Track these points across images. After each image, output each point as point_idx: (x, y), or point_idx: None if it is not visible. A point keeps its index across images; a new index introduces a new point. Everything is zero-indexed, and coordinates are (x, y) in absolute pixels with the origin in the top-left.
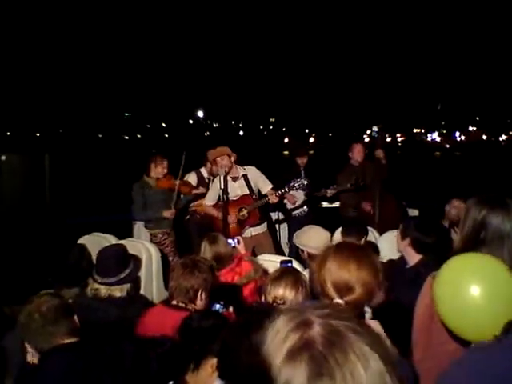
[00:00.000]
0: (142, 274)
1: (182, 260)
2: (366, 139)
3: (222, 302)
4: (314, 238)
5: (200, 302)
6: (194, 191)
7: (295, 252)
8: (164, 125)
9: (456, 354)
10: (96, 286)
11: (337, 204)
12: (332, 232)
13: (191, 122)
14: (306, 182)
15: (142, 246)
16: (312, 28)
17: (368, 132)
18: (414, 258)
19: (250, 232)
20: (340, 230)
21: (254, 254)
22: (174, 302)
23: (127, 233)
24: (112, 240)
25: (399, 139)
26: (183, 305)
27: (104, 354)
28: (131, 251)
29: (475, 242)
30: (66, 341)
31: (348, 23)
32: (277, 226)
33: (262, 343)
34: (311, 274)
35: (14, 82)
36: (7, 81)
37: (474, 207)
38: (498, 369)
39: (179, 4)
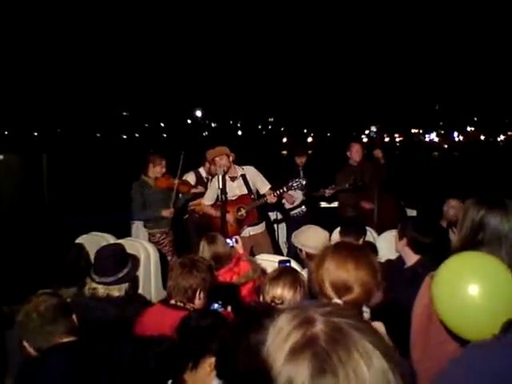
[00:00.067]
0: (140, 273)
1: (180, 259)
2: (365, 139)
3: (220, 302)
4: (312, 238)
5: (198, 302)
6: (193, 190)
7: (293, 252)
8: (162, 124)
9: (455, 353)
10: (94, 285)
11: (335, 204)
12: (330, 232)
13: (189, 121)
14: (304, 182)
15: (141, 245)
16: (311, 28)
17: (366, 132)
18: (411, 258)
19: (249, 232)
20: (338, 229)
21: (253, 253)
22: (173, 302)
23: (125, 232)
24: (110, 239)
25: (397, 139)
26: (181, 304)
27: (102, 353)
28: (129, 251)
29: (473, 243)
30: (65, 340)
31: (346, 23)
32: (275, 225)
33: (263, 342)
34: (309, 273)
35: (12, 81)
36: (5, 80)
37: (473, 208)
38: (498, 367)
39: (178, 4)
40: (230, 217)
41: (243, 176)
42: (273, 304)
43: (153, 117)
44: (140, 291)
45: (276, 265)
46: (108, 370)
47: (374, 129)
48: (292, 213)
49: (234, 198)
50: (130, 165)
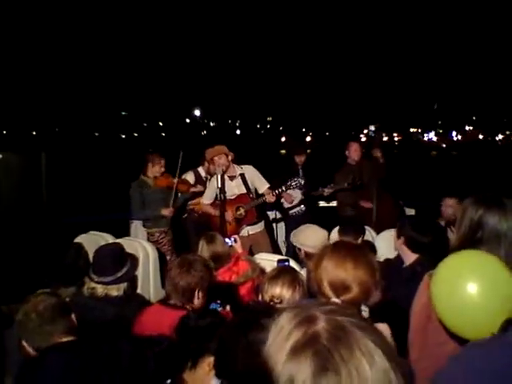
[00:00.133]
0: (139, 272)
1: (178, 259)
2: (363, 138)
3: (219, 301)
4: (311, 237)
5: (197, 301)
6: (192, 189)
7: (292, 251)
8: (161, 123)
9: (454, 353)
10: (93, 284)
11: (334, 203)
12: (329, 231)
13: (188, 120)
14: (302, 182)
15: (139, 244)
16: (309, 27)
17: (365, 131)
18: (409, 257)
19: (247, 231)
20: (337, 229)
21: (251, 252)
22: (172, 302)
23: (124, 231)
24: (109, 239)
25: (396, 139)
26: (180, 304)
27: (101, 353)
28: (128, 250)
29: (472, 242)
30: (64, 339)
31: (345, 23)
32: (274, 224)
33: (262, 341)
34: (308, 272)
35: (10, 80)
36: (3, 80)
37: (471, 207)
38: (497, 365)
39: (176, 3)
40: (228, 216)
41: (242, 175)
42: (272, 303)
43: (151, 116)
44: (139, 291)
45: (275, 264)
46: (107, 370)
47: (372, 128)
48: (291, 212)
49: (232, 198)
50: (128, 164)
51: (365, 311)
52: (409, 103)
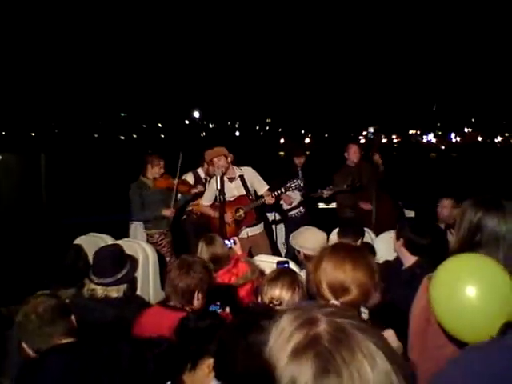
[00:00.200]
0: (139, 274)
1: (177, 261)
2: (362, 140)
3: (218, 303)
4: (310, 239)
5: (197, 303)
6: (193, 190)
7: (292, 252)
8: (160, 125)
9: (453, 356)
10: (92, 286)
11: (333, 205)
12: (328, 233)
13: (187, 122)
14: (302, 183)
15: (139, 246)
16: (308, 29)
17: (364, 133)
18: (408, 259)
19: (247, 232)
20: (336, 230)
21: (251, 254)
22: (171, 303)
23: (123, 233)
24: (108, 240)
25: (395, 140)
26: (180, 306)
27: (101, 355)
28: (128, 251)
29: (471, 244)
30: (64, 341)
31: (344, 24)
32: (273, 226)
33: (261, 343)
34: (308, 274)
35: (10, 82)
36: (2, 81)
37: (470, 209)
38: (496, 368)
39: (175, 4)
40: (228, 218)
41: (241, 177)
42: (271, 305)
43: (150, 117)
44: (138, 292)
45: (274, 266)
46: (107, 371)
47: (371, 130)
48: (290, 213)
49: (232, 199)
50: (127, 165)
51: (364, 313)
52: (408, 105)
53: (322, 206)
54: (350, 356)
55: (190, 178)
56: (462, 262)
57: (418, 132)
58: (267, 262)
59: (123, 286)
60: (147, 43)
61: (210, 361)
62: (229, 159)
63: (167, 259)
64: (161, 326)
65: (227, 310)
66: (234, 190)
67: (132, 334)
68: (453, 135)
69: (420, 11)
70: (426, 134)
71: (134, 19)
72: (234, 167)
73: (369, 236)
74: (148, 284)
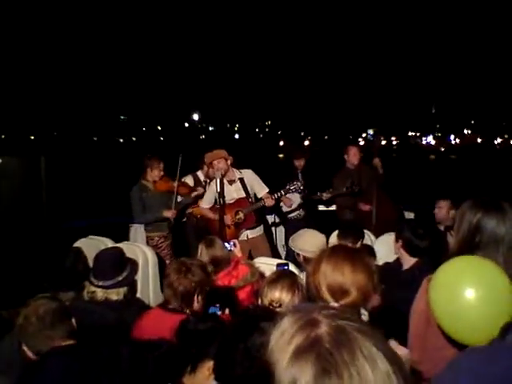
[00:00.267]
0: (139, 277)
1: (175, 264)
2: (361, 142)
3: (218, 305)
4: (309, 242)
5: (197, 305)
6: (194, 193)
7: (292, 255)
8: (159, 128)
9: (452, 358)
10: (92, 288)
11: (333, 207)
12: (328, 235)
13: (187, 125)
14: (301, 186)
15: (139, 249)
16: (308, 31)
17: (363, 135)
18: (408, 260)
19: (247, 235)
20: (336, 233)
21: (251, 256)
22: (171, 306)
23: (123, 236)
24: (108, 243)
25: (394, 142)
26: (180, 308)
27: (101, 357)
28: (128, 254)
29: (470, 246)
30: (64, 343)
31: (343, 27)
32: (273, 228)
33: (261, 345)
34: (307, 277)
35: (9, 85)
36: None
37: (469, 211)
38: (496, 369)
39: (175, 7)
40: (228, 220)
41: (241, 179)
42: (271, 307)
43: (150, 120)
44: (138, 295)
45: (274, 268)
46: (107, 374)
47: (370, 132)
48: (290, 216)
49: (231, 202)
50: (127, 168)
51: (364, 315)
52: (407, 107)
53: (321, 208)
54: (350, 357)
55: (189, 180)
56: (461, 264)
57: (418, 134)
58: (267, 265)
59: (123, 289)
60: (146, 46)
61: (210, 363)
62: (228, 162)
63: (167, 262)
64: (161, 328)
65: (226, 311)
66: (233, 193)
67: (132, 336)
68: (452, 137)
69: (419, 13)
70: (426, 136)
71: (134, 23)
72: (234, 170)
73: (369, 238)
74: (148, 287)
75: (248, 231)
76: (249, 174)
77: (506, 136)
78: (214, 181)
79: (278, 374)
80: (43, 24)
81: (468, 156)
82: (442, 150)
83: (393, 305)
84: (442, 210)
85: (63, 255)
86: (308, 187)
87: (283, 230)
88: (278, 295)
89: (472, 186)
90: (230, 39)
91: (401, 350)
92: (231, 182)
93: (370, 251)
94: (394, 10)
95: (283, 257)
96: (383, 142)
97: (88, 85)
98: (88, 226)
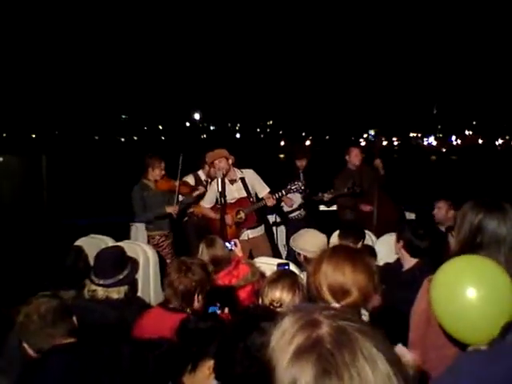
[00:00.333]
0: (140, 276)
1: (175, 263)
2: (363, 143)
3: (218, 304)
4: (310, 242)
5: (197, 304)
6: (196, 193)
7: (293, 255)
8: (160, 127)
9: (453, 358)
10: (93, 287)
11: (334, 207)
12: (329, 235)
13: (188, 124)
14: (302, 185)
15: (140, 248)
16: (309, 31)
17: (364, 136)
18: (409, 261)
19: (248, 235)
20: (337, 233)
21: (252, 256)
22: (172, 305)
23: (124, 235)
24: (109, 242)
25: (395, 143)
26: (180, 308)
27: (101, 355)
28: (129, 253)
29: (472, 246)
30: (65, 342)
31: (345, 27)
32: (274, 228)
33: (261, 344)
34: (308, 277)
35: (10, 84)
36: (3, 83)
37: (471, 211)
38: (497, 370)
39: (176, 7)
40: (229, 220)
41: (242, 179)
42: (271, 307)
43: (151, 120)
44: (139, 294)
45: (275, 268)
46: (107, 372)
47: (372, 132)
48: (291, 216)
49: (233, 201)
50: (128, 167)
51: (365, 315)
52: (408, 108)
53: (322, 208)
54: (351, 358)
55: (190, 180)
56: (462, 263)
57: (419, 135)
58: (268, 264)
59: (124, 288)
60: (148, 45)
61: (211, 362)
62: (230, 161)
63: (168, 261)
64: (161, 327)
65: (226, 310)
66: (234, 192)
67: (132, 335)
68: (453, 138)
69: (421, 15)
70: (427, 137)
71: (135, 22)
72: (235, 169)
73: (370, 238)
74: (149, 286)
75: (249, 231)
76: (250, 174)
77: (507, 137)
78: (215, 180)
79: (278, 373)
80: (44, 23)
81: (469, 157)
82: (444, 150)
83: (393, 305)
84: (441, 210)
85: (64, 254)
86: (309, 187)
87: (284, 229)
88: (279, 295)
89: (473, 186)
90: (231, 39)
91: (409, 355)
92: (232, 182)
93: (370, 251)
94: (395, 11)
95: (284, 256)
96: (384, 143)
97: (89, 84)
98: (89, 224)
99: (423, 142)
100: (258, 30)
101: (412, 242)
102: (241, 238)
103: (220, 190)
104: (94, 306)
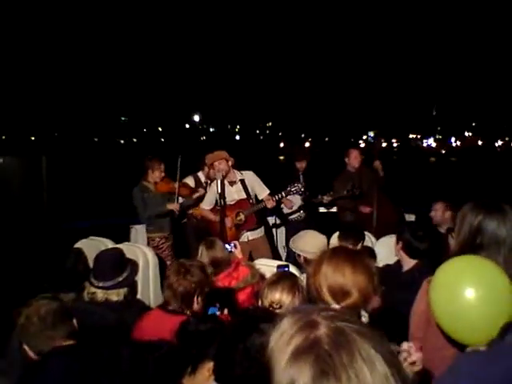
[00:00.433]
0: (139, 278)
1: (174, 265)
2: (362, 145)
3: (217, 305)
4: (310, 243)
5: (197, 306)
6: (196, 195)
7: (293, 256)
8: (160, 129)
9: (452, 359)
10: (93, 289)
11: (334, 209)
12: (329, 237)
13: (187, 126)
14: (302, 187)
15: (139, 250)
16: (309, 33)
17: (364, 137)
18: (408, 262)
19: (247, 236)
20: (337, 234)
21: (251, 258)
22: (171, 307)
23: (124, 237)
24: (109, 244)
25: (395, 145)
26: (180, 309)
27: (101, 357)
28: (128, 255)
29: (471, 247)
30: (65, 344)
31: (344, 28)
32: (274, 230)
33: (260, 346)
34: (308, 278)
35: (10, 86)
36: (3, 85)
37: (470, 212)
38: (496, 371)
39: (176, 8)
40: (228, 221)
41: (242, 181)
42: (271, 309)
43: (151, 121)
44: (139, 296)
45: (274, 269)
46: (107, 374)
47: (371, 134)
48: (291, 217)
49: (232, 203)
50: (128, 169)
51: (364, 317)
52: (408, 109)
53: (322, 209)
54: (349, 359)
55: (190, 181)
56: (461, 264)
57: (418, 136)
58: (267, 266)
59: (123, 290)
60: (147, 47)
61: (210, 364)
62: (229, 163)
63: (168, 263)
64: (161, 329)
65: (225, 312)
66: (234, 194)
67: (132, 337)
68: (453, 139)
69: (420, 15)
70: (426, 138)
71: (135, 23)
72: (235, 171)
73: (369, 240)
74: (148, 288)
75: (248, 233)
76: (250, 176)
77: (506, 138)
78: (215, 182)
79: (276, 374)
80: (44, 25)
81: (469, 158)
82: (443, 152)
83: (393, 306)
84: (438, 212)
85: (64, 256)
86: (309, 189)
87: (284, 231)
88: (279, 297)
89: (473, 188)
90: (231, 41)
91: (416, 355)
92: (232, 184)
93: (370, 253)
94: (395, 13)
95: (284, 258)
96: (384, 145)
97: (89, 86)
98: (89, 226)
99: (423, 143)
100: (257, 32)
101: (411, 243)
102: (240, 240)
103: (220, 191)
104: (93, 309)
